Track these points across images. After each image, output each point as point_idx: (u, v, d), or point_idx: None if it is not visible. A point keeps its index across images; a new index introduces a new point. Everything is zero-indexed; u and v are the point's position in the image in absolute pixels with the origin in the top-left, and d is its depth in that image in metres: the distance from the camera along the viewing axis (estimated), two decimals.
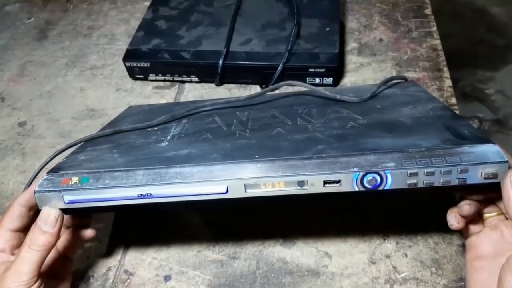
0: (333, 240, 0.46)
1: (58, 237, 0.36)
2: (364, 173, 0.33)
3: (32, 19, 0.80)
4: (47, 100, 0.65)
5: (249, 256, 0.46)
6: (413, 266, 0.43)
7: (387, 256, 0.44)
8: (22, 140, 0.60)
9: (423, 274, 0.43)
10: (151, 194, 0.35)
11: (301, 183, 0.34)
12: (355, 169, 0.33)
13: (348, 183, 0.33)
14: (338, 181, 0.33)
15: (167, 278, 0.45)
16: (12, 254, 0.38)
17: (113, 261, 0.46)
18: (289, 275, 0.44)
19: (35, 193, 0.36)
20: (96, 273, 0.46)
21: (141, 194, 0.35)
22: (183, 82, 0.65)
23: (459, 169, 0.33)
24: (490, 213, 0.38)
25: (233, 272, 0.44)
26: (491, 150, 0.33)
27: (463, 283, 0.42)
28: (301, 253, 0.45)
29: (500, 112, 1.45)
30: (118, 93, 0.65)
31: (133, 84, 0.66)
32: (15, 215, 0.38)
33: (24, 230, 0.38)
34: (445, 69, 0.63)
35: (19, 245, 0.38)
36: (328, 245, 0.46)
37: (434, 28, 0.69)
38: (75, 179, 0.36)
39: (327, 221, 0.47)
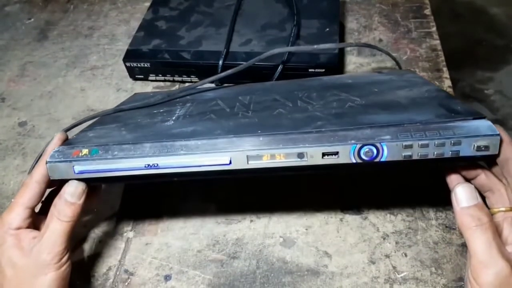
0: (333, 240, 0.46)
1: (83, 208, 0.38)
2: (361, 145, 0.35)
3: (32, 19, 0.81)
4: (47, 101, 0.65)
5: (249, 255, 0.46)
6: (412, 265, 0.43)
7: (387, 256, 0.44)
8: (23, 140, 0.60)
9: (422, 274, 0.43)
10: (157, 164, 0.36)
11: (300, 155, 0.35)
12: (353, 141, 0.35)
13: (346, 155, 0.35)
14: (336, 153, 0.35)
15: (167, 277, 0.45)
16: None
17: (113, 261, 0.46)
18: (289, 274, 0.44)
19: (46, 163, 0.37)
20: (96, 273, 0.46)
21: (148, 165, 0.36)
22: (183, 82, 0.66)
23: (452, 141, 0.34)
24: (498, 208, 0.37)
25: (233, 272, 0.45)
26: (483, 124, 0.34)
27: (462, 283, 0.42)
28: (301, 252, 0.45)
29: (499, 112, 1.45)
30: (118, 93, 0.65)
31: (133, 85, 0.66)
32: (35, 193, 0.38)
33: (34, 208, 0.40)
34: (445, 69, 0.63)
35: (34, 223, 0.39)
36: (327, 245, 0.46)
37: (434, 29, 0.69)
38: (85, 151, 0.37)
39: (327, 220, 0.47)
